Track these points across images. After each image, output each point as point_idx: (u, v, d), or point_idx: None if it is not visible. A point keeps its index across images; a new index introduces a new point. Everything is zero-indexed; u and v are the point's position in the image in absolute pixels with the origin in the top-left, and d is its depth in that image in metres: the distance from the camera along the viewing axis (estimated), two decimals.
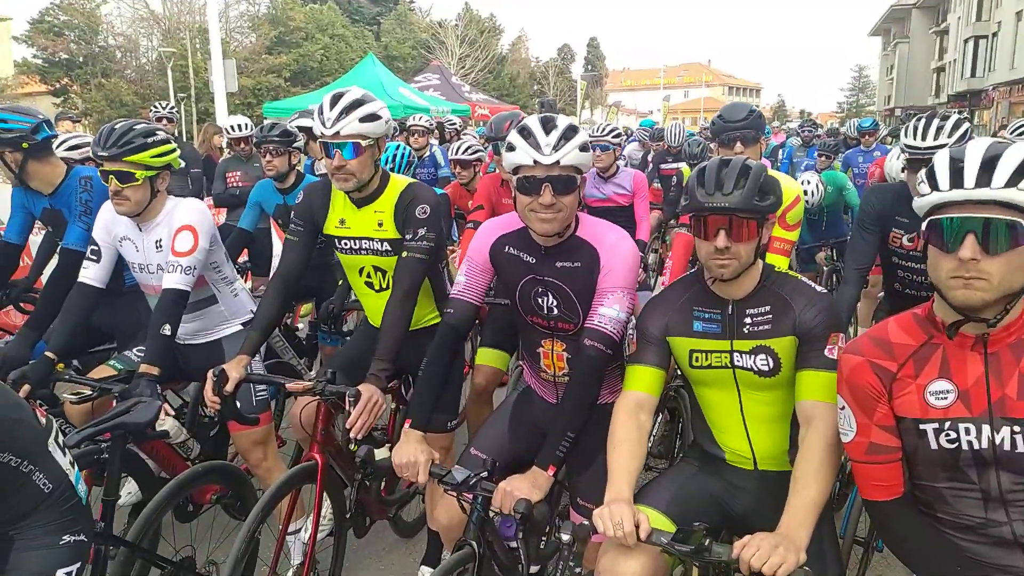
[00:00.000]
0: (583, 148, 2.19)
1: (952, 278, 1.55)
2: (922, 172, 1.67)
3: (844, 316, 2.92)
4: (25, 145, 3.20)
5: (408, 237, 2.73)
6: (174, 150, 2.94)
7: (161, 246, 2.95)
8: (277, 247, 6.40)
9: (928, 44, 53.69)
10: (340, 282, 4.18)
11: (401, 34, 47.65)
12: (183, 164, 4.59)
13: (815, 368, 1.96)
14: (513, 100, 40.55)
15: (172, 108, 7.30)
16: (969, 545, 1.70)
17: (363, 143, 2.64)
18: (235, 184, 6.21)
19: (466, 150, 5.19)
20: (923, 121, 3.09)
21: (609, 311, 2.21)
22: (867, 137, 8.29)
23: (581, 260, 2.27)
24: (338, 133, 2.60)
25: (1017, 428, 1.59)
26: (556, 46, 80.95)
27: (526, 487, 2.09)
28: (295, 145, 4.53)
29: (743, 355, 2.07)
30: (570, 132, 2.18)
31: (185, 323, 3.00)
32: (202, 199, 6.85)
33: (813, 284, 2.10)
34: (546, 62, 62.16)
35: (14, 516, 1.88)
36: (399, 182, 2.83)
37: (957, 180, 1.56)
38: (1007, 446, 1.60)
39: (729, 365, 2.09)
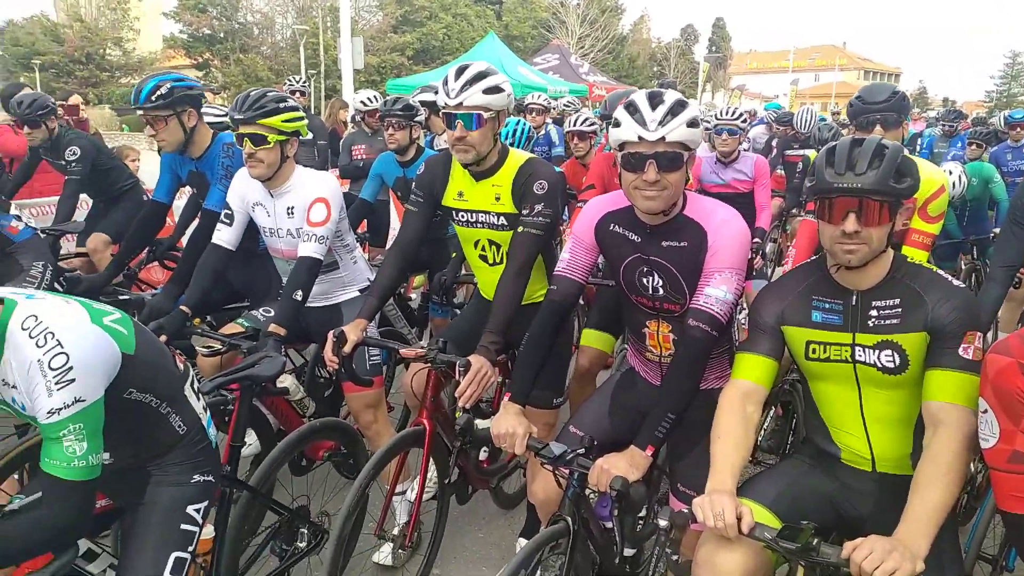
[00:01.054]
0: (691, 124, 2.12)
1: None
2: None
3: (986, 316, 2.71)
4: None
5: (525, 212, 2.75)
6: (302, 118, 3.09)
7: (292, 213, 3.12)
8: (395, 220, 6.65)
9: None
10: (453, 255, 4.28)
11: (522, 13, 47.65)
12: (310, 135, 4.80)
13: (947, 368, 1.83)
14: (631, 81, 39.77)
15: (304, 83, 7.65)
16: None
17: (485, 115, 2.68)
18: (359, 157, 6.44)
19: (583, 121, 5.22)
20: None
21: (716, 291, 2.15)
22: (1017, 130, 7.56)
23: (688, 239, 2.22)
24: (461, 104, 2.66)
25: None
26: (679, 26, 78.68)
27: (623, 465, 2.08)
28: (416, 119, 4.65)
29: (866, 350, 1.96)
30: (677, 107, 2.11)
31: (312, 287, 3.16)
32: (326, 170, 7.19)
33: (950, 277, 1.95)
34: (668, 43, 60.54)
35: (152, 453, 2.06)
36: (518, 157, 2.86)
37: None
38: None
39: (850, 359, 1.99)
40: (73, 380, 1.68)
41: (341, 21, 15.01)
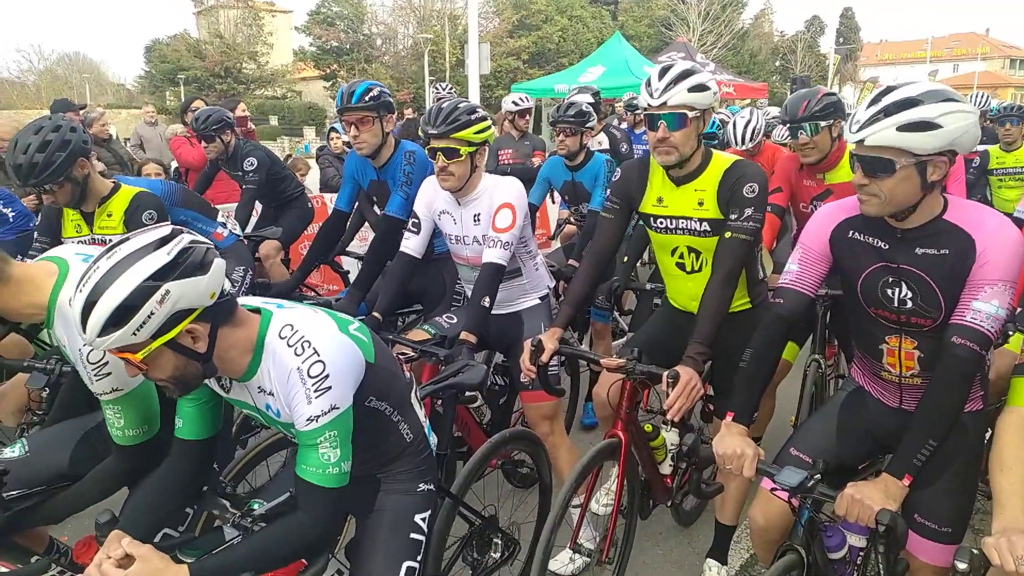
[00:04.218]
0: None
1: None
2: None
3: None
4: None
5: (733, 217, 2.62)
6: (490, 126, 3.08)
7: (479, 220, 3.11)
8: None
9: None
10: (625, 260, 4.18)
11: (639, 12, 47.08)
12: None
13: None
14: (753, 77, 38.37)
15: (450, 89, 7.77)
16: None
17: (689, 114, 2.58)
18: (507, 161, 6.46)
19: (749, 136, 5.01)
20: None
21: (986, 306, 1.92)
22: None
23: (950, 247, 2.00)
24: (665, 103, 2.57)
25: None
26: (804, 18, 75.23)
27: (878, 496, 1.90)
28: (588, 125, 4.59)
29: None
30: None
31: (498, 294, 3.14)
32: None
33: None
34: (792, 36, 58.04)
35: (384, 461, 2.07)
36: (724, 159, 2.73)
37: None
38: None
39: None
40: (330, 388, 1.70)
41: (469, 27, 15.24)
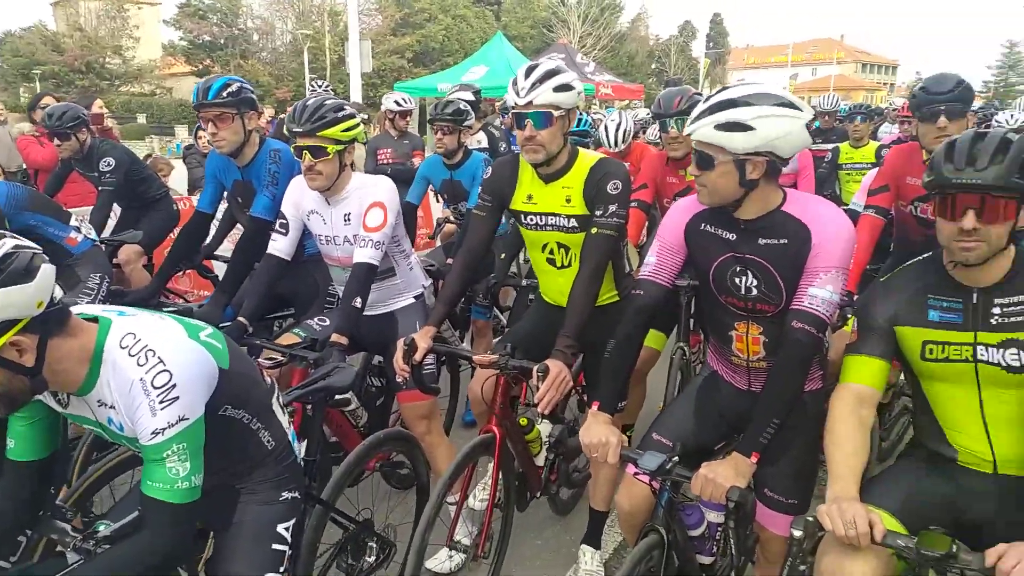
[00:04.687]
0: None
1: None
2: None
3: None
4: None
5: (598, 213, 2.69)
6: (359, 124, 3.03)
7: (349, 220, 3.05)
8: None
9: None
10: (502, 256, 4.21)
11: (521, 13, 47.69)
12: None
13: None
14: (631, 79, 39.70)
15: (327, 87, 7.58)
16: None
17: (555, 113, 2.62)
18: (386, 161, 6.37)
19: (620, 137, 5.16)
20: None
21: (821, 292, 2.07)
22: None
23: (788, 237, 2.14)
24: (531, 103, 2.60)
25: None
26: (677, 23, 78.60)
27: (730, 473, 2.01)
28: (466, 123, 4.59)
29: (989, 348, 1.89)
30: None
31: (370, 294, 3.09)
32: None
33: None
34: (666, 40, 60.49)
35: (243, 471, 2.00)
36: (589, 157, 2.79)
37: None
38: None
39: (971, 359, 1.91)
40: (177, 398, 1.62)
41: (349, 24, 14.93)
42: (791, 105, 2.04)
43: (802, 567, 1.80)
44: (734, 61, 74.35)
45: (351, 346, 3.43)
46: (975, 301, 1.91)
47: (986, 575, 1.60)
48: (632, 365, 2.48)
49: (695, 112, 2.10)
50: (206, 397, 1.71)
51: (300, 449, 2.17)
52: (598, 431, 2.22)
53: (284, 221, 3.16)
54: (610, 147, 5.11)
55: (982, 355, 1.90)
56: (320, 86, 7.52)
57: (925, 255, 2.08)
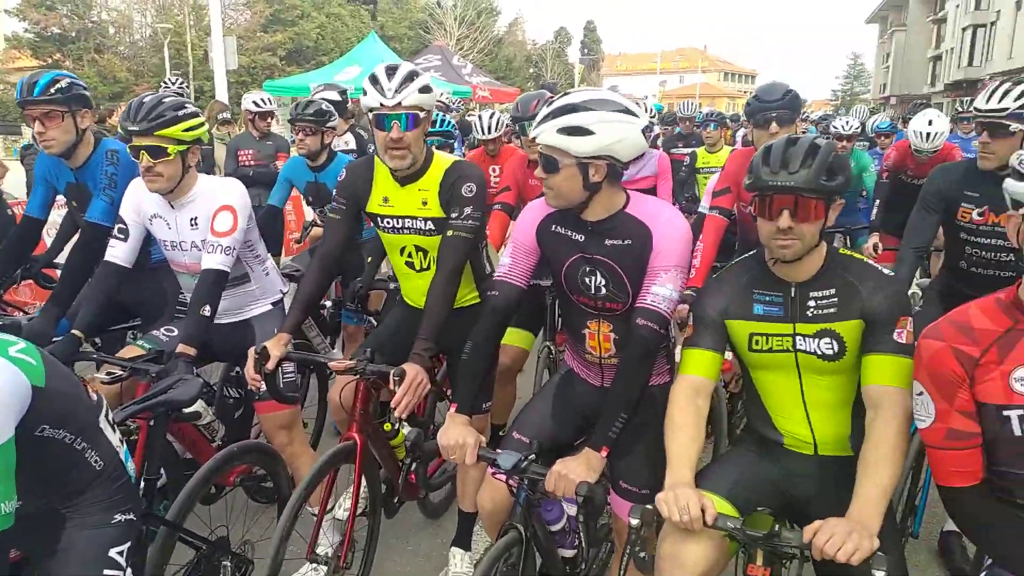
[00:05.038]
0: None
1: None
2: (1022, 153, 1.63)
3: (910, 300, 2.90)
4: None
5: (454, 216, 2.69)
6: (203, 123, 2.89)
7: (196, 224, 2.90)
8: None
9: (925, 32, 53.51)
10: (369, 260, 4.15)
11: (398, 14, 47.22)
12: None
13: (884, 352, 1.93)
14: (509, 83, 40.21)
15: (181, 84, 7.18)
16: None
17: (421, 115, 2.61)
18: (247, 163, 6.12)
19: (497, 125, 5.22)
20: (995, 84, 3.08)
21: (662, 290, 2.16)
22: (883, 139, 8.17)
23: (632, 238, 2.23)
24: (400, 104, 2.56)
25: None
26: (553, 29, 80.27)
27: (581, 469, 2.06)
28: (330, 124, 4.47)
29: (806, 339, 2.04)
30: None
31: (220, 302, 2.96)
32: (212, 174, 6.79)
33: (881, 267, 2.07)
34: (543, 45, 61.70)
35: (68, 493, 1.85)
36: (444, 160, 2.79)
37: None
38: None
39: (791, 349, 2.06)
40: None
41: (211, 19, 14.26)
42: (628, 111, 2.12)
43: (642, 553, 1.87)
44: (607, 67, 76.89)
45: (205, 356, 3.29)
46: (793, 295, 2.06)
47: (804, 550, 1.72)
48: (490, 365, 2.51)
49: (539, 116, 2.15)
50: (16, 418, 1.56)
51: (133, 469, 2.03)
52: (455, 433, 2.23)
53: (123, 226, 2.97)
54: (482, 134, 5.18)
55: (800, 345, 2.05)
56: (173, 83, 7.11)
57: (750, 253, 2.22)
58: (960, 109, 8.59)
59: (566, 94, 2.17)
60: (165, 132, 2.71)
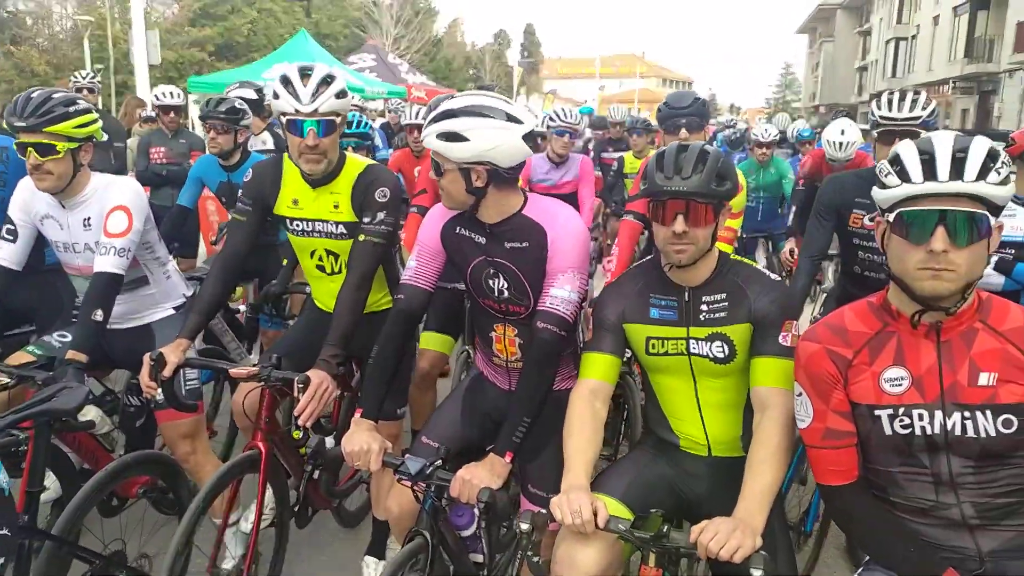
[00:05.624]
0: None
1: (920, 269, 1.59)
2: (884, 163, 1.69)
3: (798, 304, 2.98)
4: None
5: (366, 220, 2.65)
6: (96, 120, 2.77)
7: (90, 224, 2.78)
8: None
9: (852, 44, 55.60)
10: (285, 262, 4.05)
11: (332, 11, 46.45)
12: (106, 137, 4.33)
13: (769, 355, 1.98)
14: (449, 84, 40.04)
15: (93, 78, 6.87)
16: (921, 527, 1.75)
17: (336, 120, 2.56)
18: (159, 160, 5.91)
19: (419, 114, 5.27)
20: (896, 95, 3.17)
21: (561, 292, 2.17)
22: (806, 146, 8.46)
23: (529, 240, 2.23)
24: (317, 110, 2.51)
25: (967, 414, 1.64)
26: (492, 31, 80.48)
27: (485, 475, 2.06)
28: (243, 122, 4.35)
29: (699, 342, 2.08)
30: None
31: (114, 306, 2.84)
32: (126, 174, 6.53)
33: (768, 272, 2.13)
34: (482, 47, 61.76)
35: None
36: (357, 163, 2.76)
37: (929, 173, 1.59)
38: (958, 431, 1.65)
39: (685, 352, 2.10)
40: None
41: (132, 11, 13.74)
42: (510, 117, 2.12)
43: (536, 558, 1.87)
44: (547, 70, 77.46)
45: (103, 363, 3.16)
46: (687, 299, 2.09)
47: (692, 549, 1.75)
48: (399, 369, 2.47)
49: (428, 119, 2.15)
50: None
51: (5, 480, 1.92)
52: (359, 439, 2.19)
53: (11, 227, 2.82)
54: (408, 119, 5.33)
55: (694, 348, 2.09)
56: (85, 77, 6.81)
57: (646, 258, 2.26)
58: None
59: (451, 98, 2.17)
60: (54, 128, 2.59)
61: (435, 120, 2.12)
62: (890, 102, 3.15)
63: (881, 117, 3.15)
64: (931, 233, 1.56)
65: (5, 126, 2.74)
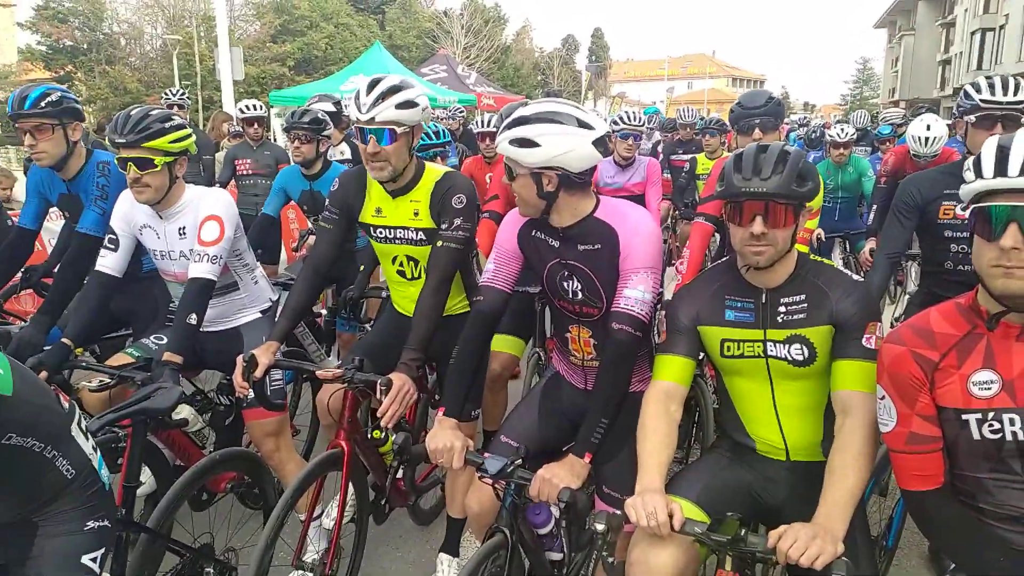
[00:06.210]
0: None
1: (994, 267, 1.54)
2: (970, 160, 1.64)
3: (879, 305, 2.90)
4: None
5: (444, 227, 2.72)
6: (190, 135, 2.94)
7: (185, 233, 2.94)
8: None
9: (934, 36, 53.24)
10: (362, 268, 4.17)
11: (406, 23, 47.42)
12: (196, 150, 4.56)
13: (853, 358, 1.94)
14: (517, 90, 40.35)
15: (183, 95, 7.23)
16: (1011, 535, 1.68)
17: (398, 130, 2.62)
18: (245, 172, 6.17)
19: (492, 123, 5.38)
20: (997, 78, 3.05)
21: (634, 292, 2.18)
22: (886, 143, 8.16)
23: (601, 242, 2.25)
24: (373, 119, 2.59)
25: None
26: (560, 36, 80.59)
27: (565, 475, 2.08)
28: (324, 132, 4.52)
29: (777, 344, 2.04)
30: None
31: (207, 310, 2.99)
32: (214, 186, 6.84)
33: (849, 273, 2.08)
34: (550, 52, 61.83)
35: (39, 502, 1.87)
36: (435, 171, 2.83)
37: (1002, 168, 1.54)
38: None
39: (762, 355, 2.07)
40: None
41: (218, 29, 14.38)
42: (581, 123, 2.15)
43: (611, 559, 1.87)
44: (615, 74, 76.91)
45: (196, 364, 3.32)
46: (764, 301, 2.06)
47: (770, 555, 1.73)
48: (476, 369, 2.52)
49: (501, 126, 2.21)
50: None
51: (107, 475, 2.05)
52: (443, 437, 2.24)
53: (113, 236, 3.01)
54: (480, 127, 5.39)
55: (771, 351, 2.06)
56: (176, 94, 7.18)
57: (722, 259, 2.23)
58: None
59: (524, 106, 2.21)
60: (152, 144, 2.75)
61: (508, 127, 2.17)
62: (992, 85, 3.01)
63: (982, 101, 3.01)
64: (1004, 229, 1.51)
65: (106, 142, 2.92)
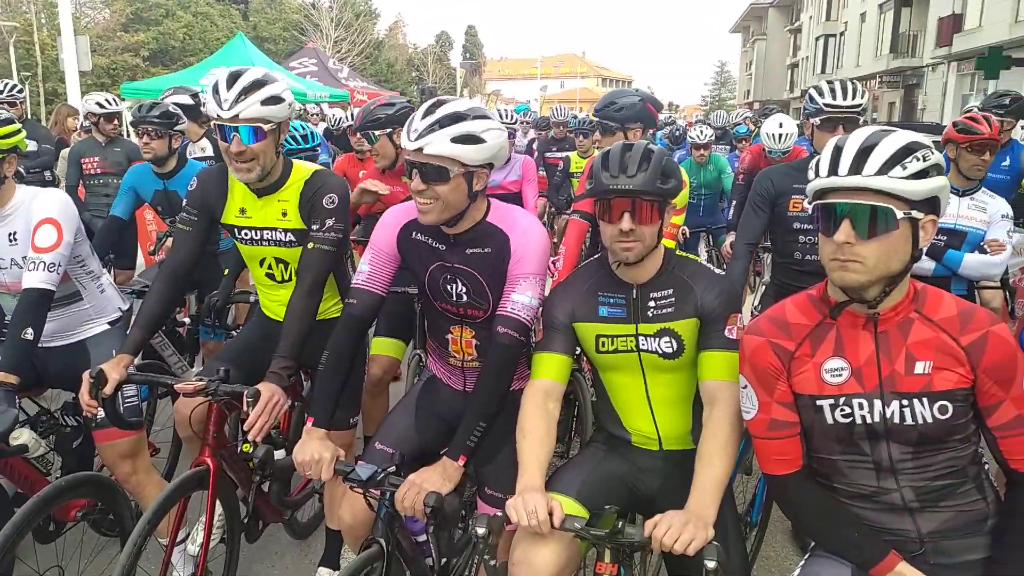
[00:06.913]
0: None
1: (831, 260, 1.64)
2: (814, 160, 1.74)
3: (740, 296, 3.05)
4: None
5: (315, 228, 2.59)
6: (20, 131, 2.66)
7: (16, 239, 2.66)
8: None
9: (784, 41, 57.19)
10: (226, 271, 3.94)
11: (271, 14, 45.71)
12: (35, 146, 4.15)
13: (716, 348, 2.02)
14: (391, 86, 39.76)
15: (16, 88, 6.54)
16: (864, 512, 1.79)
17: (265, 127, 2.47)
18: (93, 171, 5.69)
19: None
20: (837, 83, 3.24)
21: (521, 297, 2.17)
22: (743, 142, 8.64)
23: (491, 246, 2.22)
24: (237, 116, 2.42)
25: (905, 402, 1.69)
26: (434, 33, 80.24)
27: (436, 479, 2.04)
28: (178, 127, 4.20)
29: (648, 338, 2.10)
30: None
31: (45, 323, 2.72)
32: (55, 186, 6.28)
33: (712, 267, 2.16)
34: (424, 49, 61.48)
35: None
36: (304, 169, 2.69)
37: (835, 167, 1.64)
38: (896, 419, 1.70)
39: (635, 349, 2.11)
40: None
41: (61, 16, 13.24)
42: (492, 117, 2.15)
43: (492, 561, 1.86)
44: (489, 72, 77.56)
45: (35, 383, 3.02)
46: (635, 296, 2.11)
47: (646, 544, 1.77)
48: (351, 376, 2.42)
49: (421, 125, 2.06)
50: None
51: None
52: (310, 447, 2.14)
53: None
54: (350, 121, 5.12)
55: (643, 344, 2.11)
56: (6, 88, 6.47)
57: (594, 256, 2.27)
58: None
59: (440, 103, 2.12)
60: None
61: (441, 124, 2.05)
62: (833, 90, 3.22)
63: (825, 104, 3.21)
64: (838, 225, 1.61)
65: None
